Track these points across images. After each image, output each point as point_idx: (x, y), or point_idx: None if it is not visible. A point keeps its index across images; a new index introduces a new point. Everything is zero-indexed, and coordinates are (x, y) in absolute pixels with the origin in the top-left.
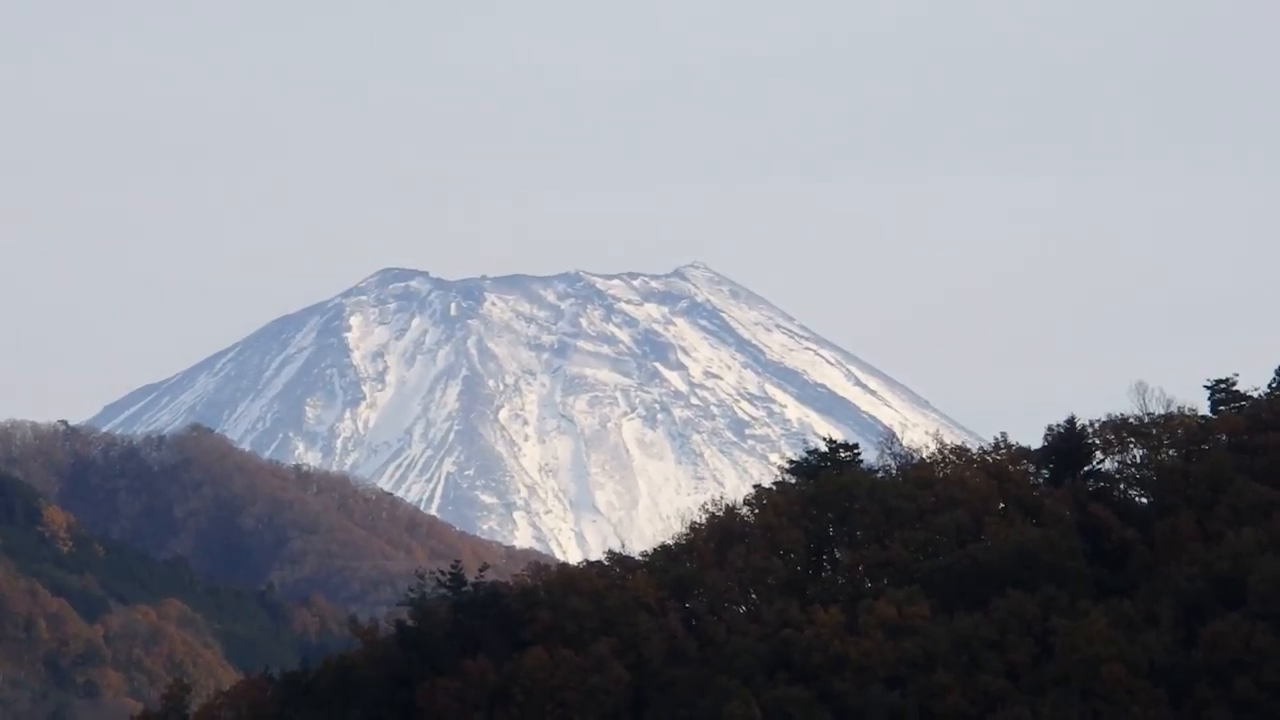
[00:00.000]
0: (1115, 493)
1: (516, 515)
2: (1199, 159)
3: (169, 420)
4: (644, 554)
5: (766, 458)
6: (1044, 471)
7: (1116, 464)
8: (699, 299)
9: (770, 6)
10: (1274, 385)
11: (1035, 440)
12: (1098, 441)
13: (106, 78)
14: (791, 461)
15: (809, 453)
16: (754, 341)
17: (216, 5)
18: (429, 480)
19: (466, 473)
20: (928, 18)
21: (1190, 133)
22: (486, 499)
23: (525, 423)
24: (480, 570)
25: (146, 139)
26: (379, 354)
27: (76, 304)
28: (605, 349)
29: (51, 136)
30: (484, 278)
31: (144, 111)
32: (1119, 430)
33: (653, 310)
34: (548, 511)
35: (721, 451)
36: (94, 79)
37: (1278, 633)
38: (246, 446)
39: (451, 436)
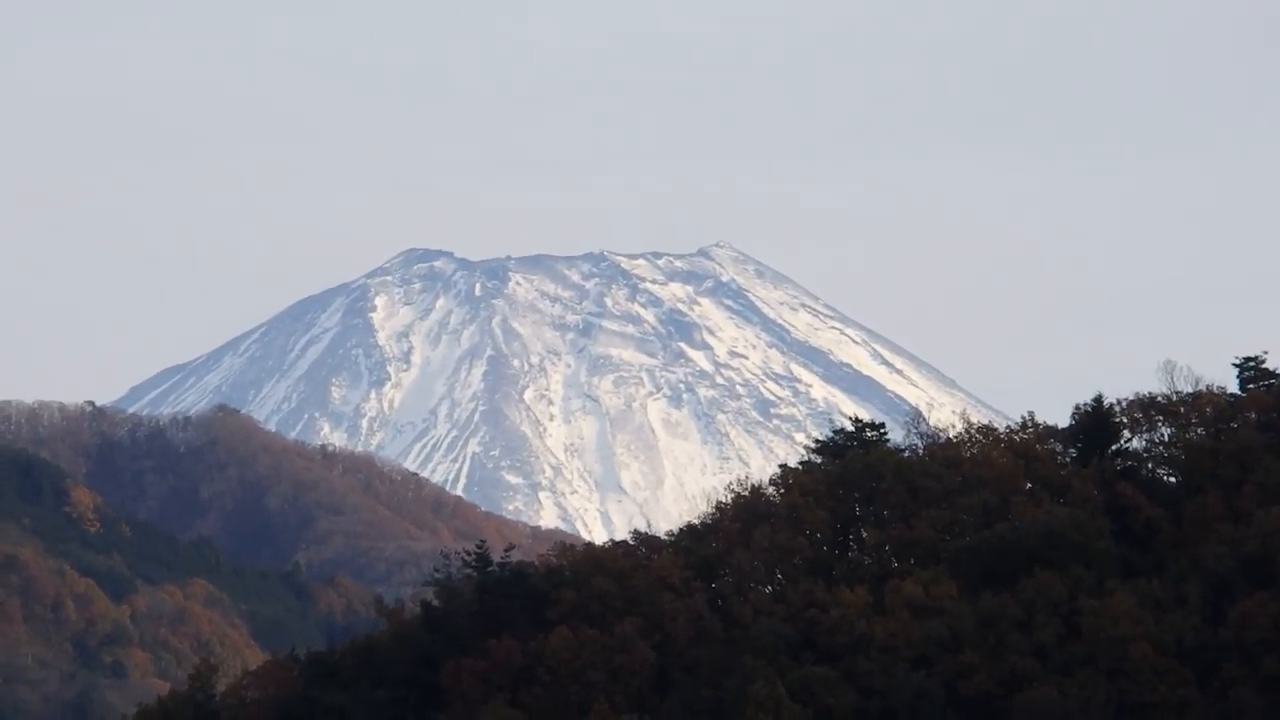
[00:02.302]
0: (1143, 472)
1: (542, 495)
2: (1224, 140)
3: (195, 401)
4: (669, 534)
5: (792, 437)
6: (1071, 451)
7: (1144, 443)
8: (724, 279)
9: None
10: None
11: (1063, 419)
12: (1125, 420)
13: (133, 62)
14: (817, 441)
15: (835, 432)
16: (779, 321)
17: None
18: (454, 460)
19: (492, 453)
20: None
21: (1216, 114)
22: (512, 479)
23: (550, 403)
24: (505, 550)
25: (170, 122)
26: (404, 334)
27: (102, 286)
28: (630, 329)
29: (79, 119)
30: (508, 258)
31: (166, 95)
32: (1147, 409)
33: (677, 290)
34: (573, 492)
35: (747, 431)
36: (122, 62)
37: None
38: (272, 427)
39: (476, 417)
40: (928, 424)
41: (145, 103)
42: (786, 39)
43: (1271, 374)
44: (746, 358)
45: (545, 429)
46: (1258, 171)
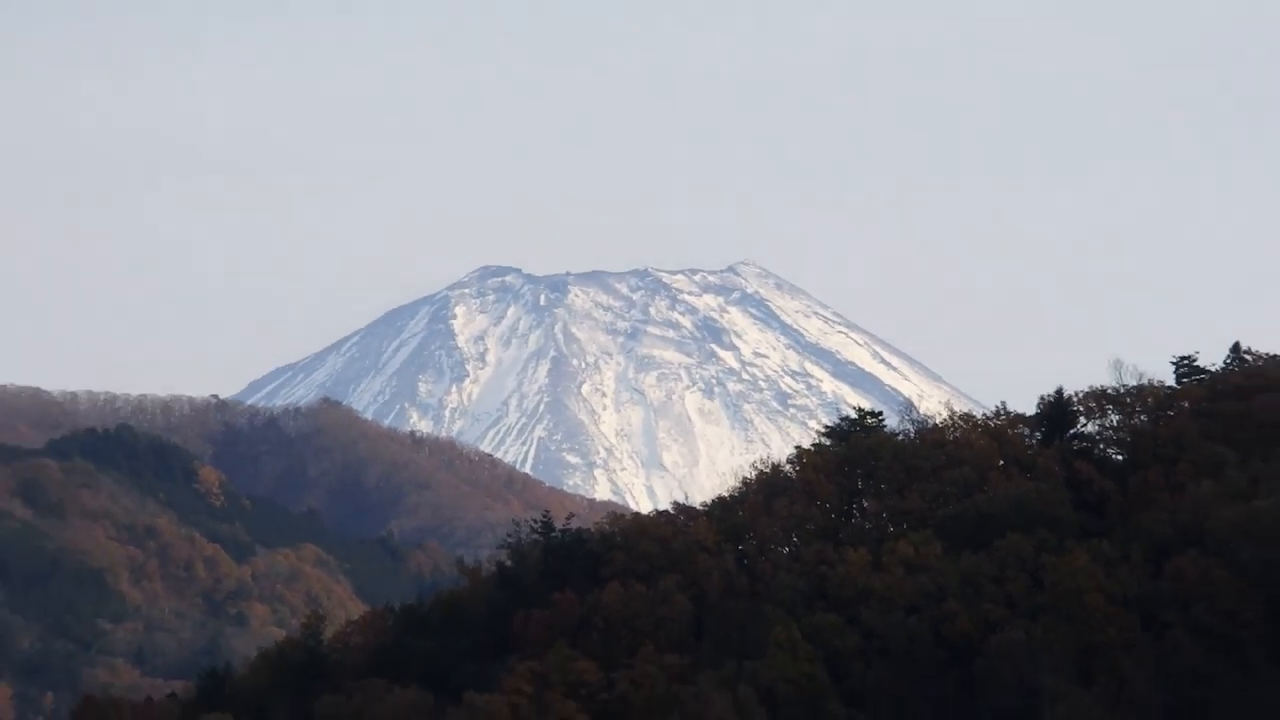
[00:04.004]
0: (1095, 452)
1: (596, 472)
2: (1171, 157)
3: (304, 394)
4: (704, 504)
5: (806, 424)
6: (1037, 434)
7: (1097, 428)
8: (749, 291)
9: (803, 30)
10: (1228, 361)
11: (1029, 408)
12: (1081, 409)
13: (269, 83)
14: (826, 427)
15: (841, 420)
16: (795, 326)
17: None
18: (523, 444)
19: (554, 437)
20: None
21: (1166, 139)
22: (571, 459)
23: (604, 395)
24: (566, 519)
25: (288, 154)
26: (480, 338)
27: (226, 294)
28: (670, 333)
29: (224, 141)
30: (568, 273)
31: (287, 126)
32: (1099, 399)
33: (710, 301)
34: (622, 469)
35: (768, 419)
36: (257, 81)
37: (1230, 568)
38: (369, 416)
39: (541, 407)
40: (918, 412)
41: (280, 131)
42: (799, 88)
43: (1202, 370)
44: (767, 357)
45: (599, 417)
46: (1198, 189)
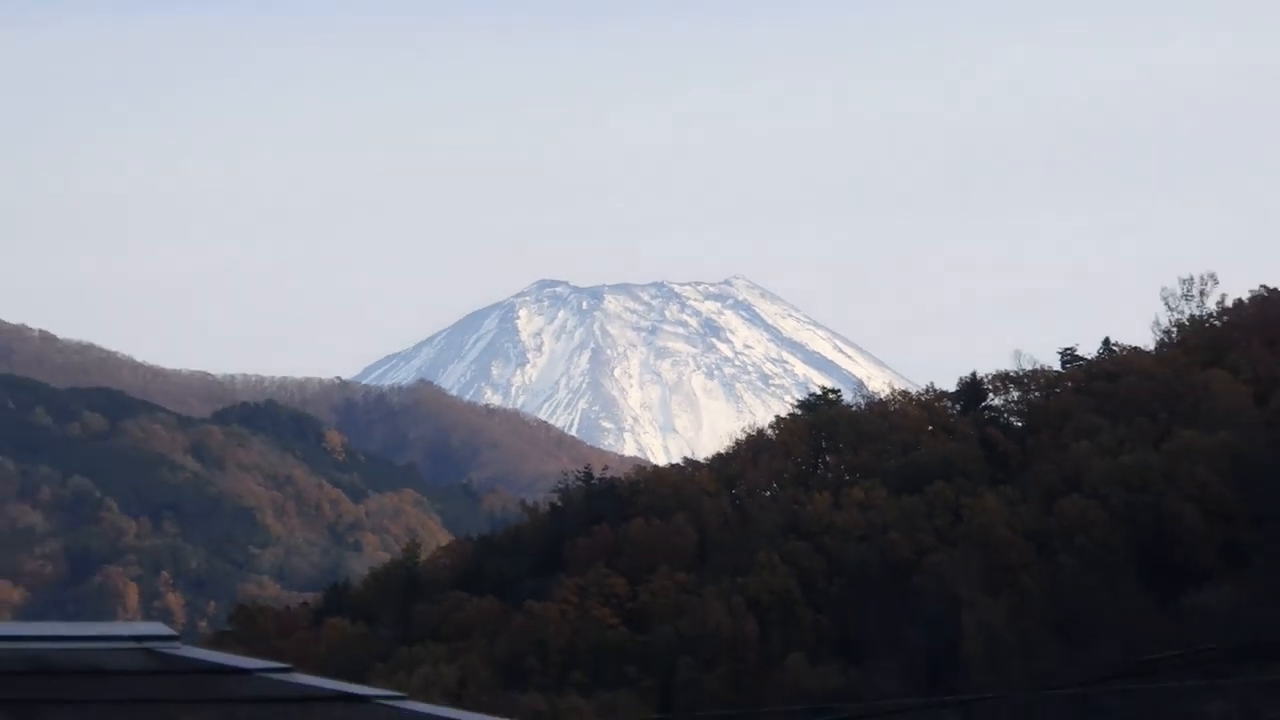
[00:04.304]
0: (1001, 420)
1: (625, 435)
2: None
3: (405, 376)
4: (706, 459)
5: (783, 399)
6: (957, 406)
7: (1002, 401)
8: (740, 299)
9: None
10: (1100, 351)
11: (952, 386)
12: (990, 387)
13: (376, 130)
14: (799, 401)
15: (809, 396)
16: (774, 325)
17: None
18: (570, 414)
19: (594, 409)
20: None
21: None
22: (606, 425)
23: (630, 377)
24: (602, 471)
25: (401, 189)
26: (538, 334)
27: (350, 299)
28: (680, 330)
29: (368, 181)
30: (603, 285)
31: (405, 162)
32: (1003, 380)
33: (710, 306)
34: (645, 433)
35: (755, 395)
36: (363, 127)
37: (1102, 508)
38: (454, 393)
39: (584, 386)
40: (868, 390)
41: (380, 172)
42: (781, 148)
43: (1080, 358)
44: (754, 349)
45: (627, 393)
46: (1076, 224)
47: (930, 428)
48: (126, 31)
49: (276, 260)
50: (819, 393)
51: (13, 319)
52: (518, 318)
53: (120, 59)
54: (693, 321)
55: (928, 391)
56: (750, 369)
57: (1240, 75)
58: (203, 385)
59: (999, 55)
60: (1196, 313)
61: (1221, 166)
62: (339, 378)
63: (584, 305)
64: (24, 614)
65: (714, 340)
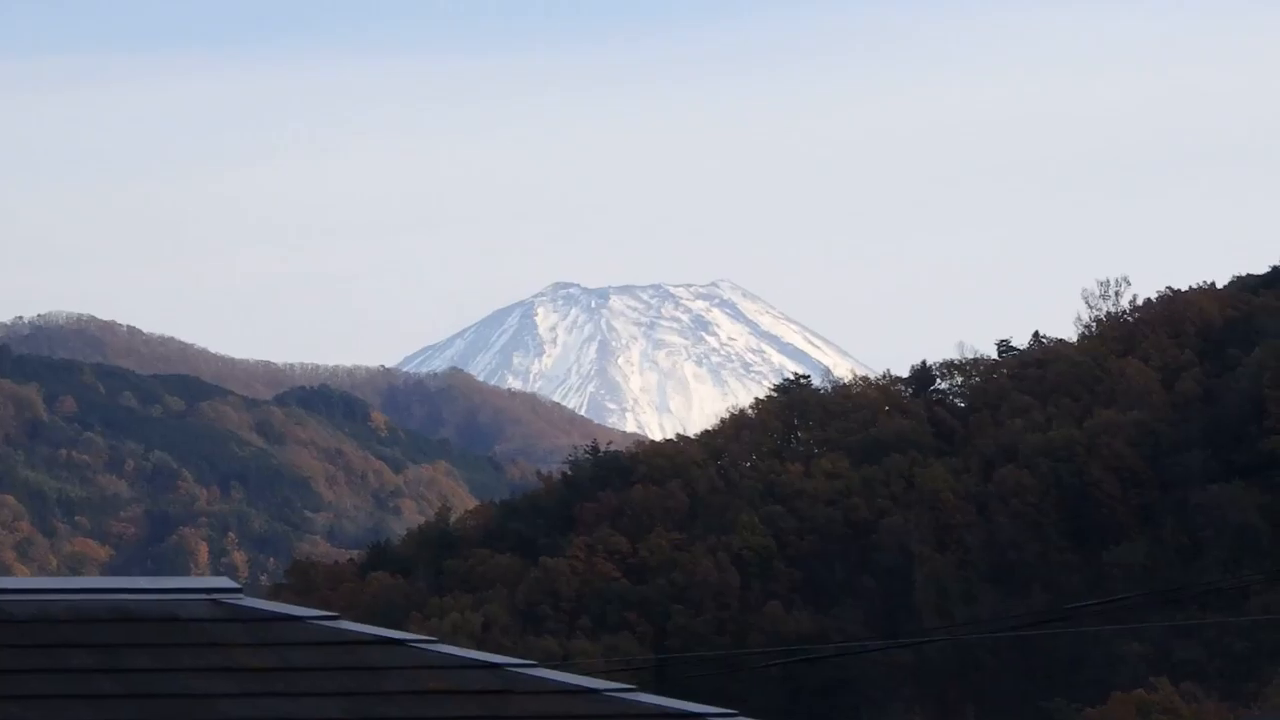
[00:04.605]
0: (947, 401)
1: (627, 415)
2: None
3: (440, 365)
4: (696, 435)
5: (761, 383)
6: (910, 389)
7: (948, 385)
8: (726, 297)
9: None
10: (1031, 343)
11: (905, 372)
12: (938, 373)
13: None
14: (775, 386)
15: (785, 380)
16: (754, 320)
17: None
18: (580, 396)
19: (601, 392)
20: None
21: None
22: (611, 406)
23: (632, 364)
24: (607, 445)
25: (431, 199)
26: (553, 328)
27: (392, 298)
28: (674, 325)
29: (398, 203)
30: (609, 286)
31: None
32: (949, 367)
33: (700, 304)
34: (644, 413)
35: (738, 381)
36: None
37: (1033, 476)
38: (482, 379)
39: (592, 372)
40: (834, 376)
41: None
42: (761, 160)
43: (1015, 349)
44: (737, 341)
45: (629, 379)
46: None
47: (886, 408)
48: (216, 50)
49: (330, 265)
50: (792, 378)
51: (105, 315)
52: (536, 314)
53: (185, 87)
54: (685, 318)
55: (884, 377)
56: (734, 358)
57: (1157, 105)
58: (266, 372)
59: (954, 73)
60: (1112, 310)
61: (1135, 185)
62: (383, 366)
63: (593, 304)
64: (110, 569)
65: (703, 334)
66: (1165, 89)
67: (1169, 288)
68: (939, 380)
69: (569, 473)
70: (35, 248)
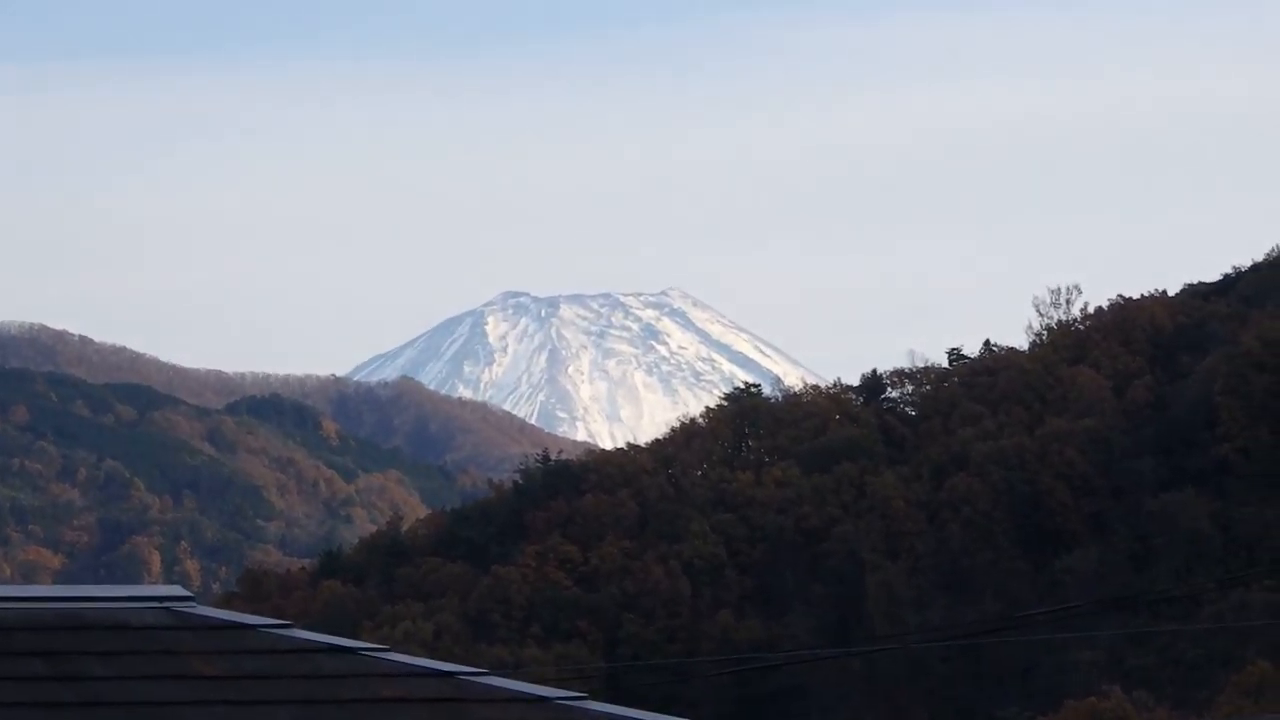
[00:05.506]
0: (898, 409)
1: (578, 424)
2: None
3: (391, 373)
4: (647, 444)
5: (711, 392)
6: (860, 398)
7: (899, 394)
8: (676, 306)
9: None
10: (982, 351)
11: (856, 380)
12: (889, 382)
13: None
14: (725, 395)
15: (735, 389)
16: (704, 329)
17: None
18: (530, 405)
19: (551, 401)
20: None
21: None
22: (561, 415)
23: (582, 374)
24: (558, 453)
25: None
26: (503, 337)
27: (343, 307)
28: (624, 334)
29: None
30: (559, 295)
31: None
32: (900, 376)
33: (650, 313)
34: (594, 421)
35: (688, 389)
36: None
37: (984, 484)
38: (432, 387)
39: (543, 381)
40: (784, 384)
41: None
42: (705, 178)
43: (965, 357)
44: (687, 349)
45: (579, 388)
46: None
47: (837, 416)
48: (152, 69)
49: (280, 275)
50: (742, 387)
51: (56, 325)
52: (486, 323)
53: (138, 98)
54: (635, 327)
55: (835, 385)
56: (684, 367)
57: (1109, 114)
58: (218, 381)
59: (903, 83)
60: (1063, 318)
61: (1086, 193)
62: (334, 374)
63: (543, 313)
64: (63, 578)
65: (653, 343)
66: (1117, 98)
67: (1120, 295)
68: (890, 388)
69: (520, 481)
70: None
